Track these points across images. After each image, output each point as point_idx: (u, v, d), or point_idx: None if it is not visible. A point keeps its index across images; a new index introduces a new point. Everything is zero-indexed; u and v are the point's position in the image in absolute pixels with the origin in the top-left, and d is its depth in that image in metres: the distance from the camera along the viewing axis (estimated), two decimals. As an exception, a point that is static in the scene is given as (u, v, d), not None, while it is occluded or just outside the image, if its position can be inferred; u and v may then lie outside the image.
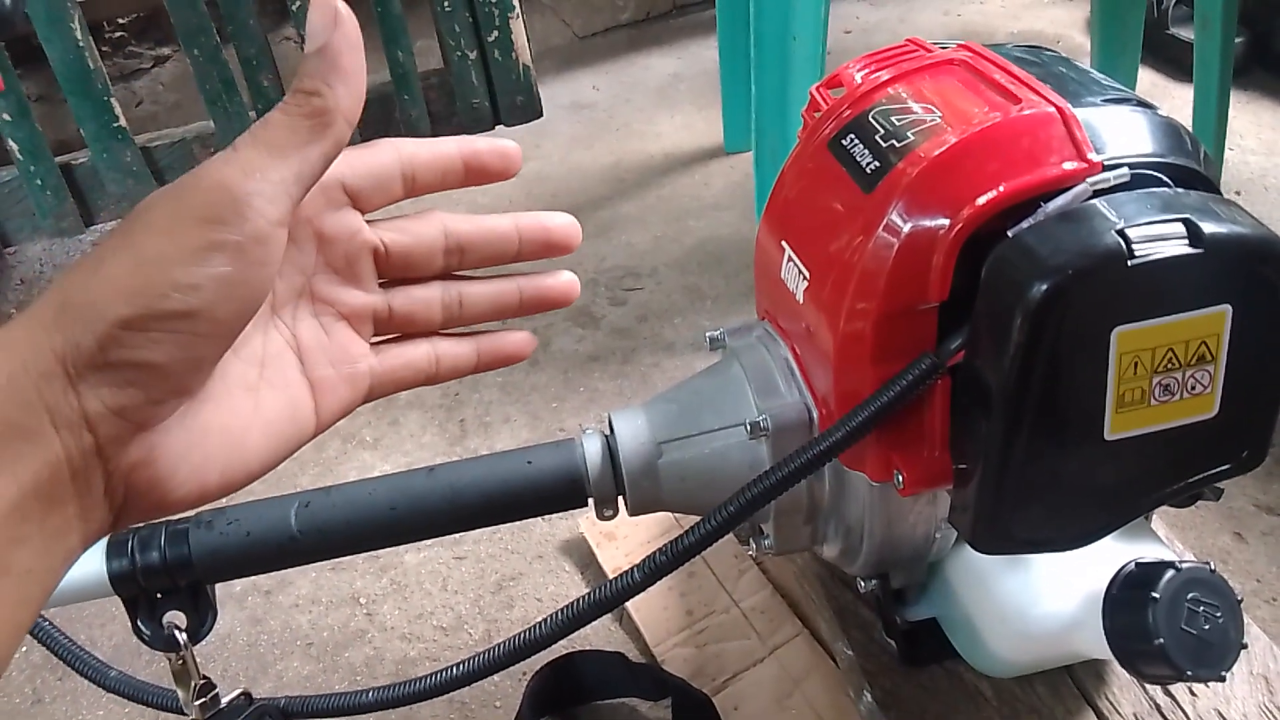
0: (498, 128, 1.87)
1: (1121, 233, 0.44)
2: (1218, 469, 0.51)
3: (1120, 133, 0.50)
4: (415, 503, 0.52)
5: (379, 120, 1.80)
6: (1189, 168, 0.49)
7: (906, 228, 0.50)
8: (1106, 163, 0.48)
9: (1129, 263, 0.43)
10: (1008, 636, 0.59)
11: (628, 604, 0.92)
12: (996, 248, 0.47)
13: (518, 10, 1.78)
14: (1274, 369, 0.48)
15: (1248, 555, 0.92)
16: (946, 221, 0.48)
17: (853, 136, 0.56)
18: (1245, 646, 0.51)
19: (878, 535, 0.58)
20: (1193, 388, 0.47)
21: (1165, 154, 0.49)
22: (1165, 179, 0.48)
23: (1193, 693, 0.64)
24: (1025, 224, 0.47)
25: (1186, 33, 1.67)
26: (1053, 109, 0.49)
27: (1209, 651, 0.50)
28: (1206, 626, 0.50)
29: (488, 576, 1.01)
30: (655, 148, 1.78)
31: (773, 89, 1.28)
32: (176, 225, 0.29)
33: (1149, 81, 1.66)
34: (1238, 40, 1.56)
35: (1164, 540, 0.73)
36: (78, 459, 0.28)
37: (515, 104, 1.87)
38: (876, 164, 0.53)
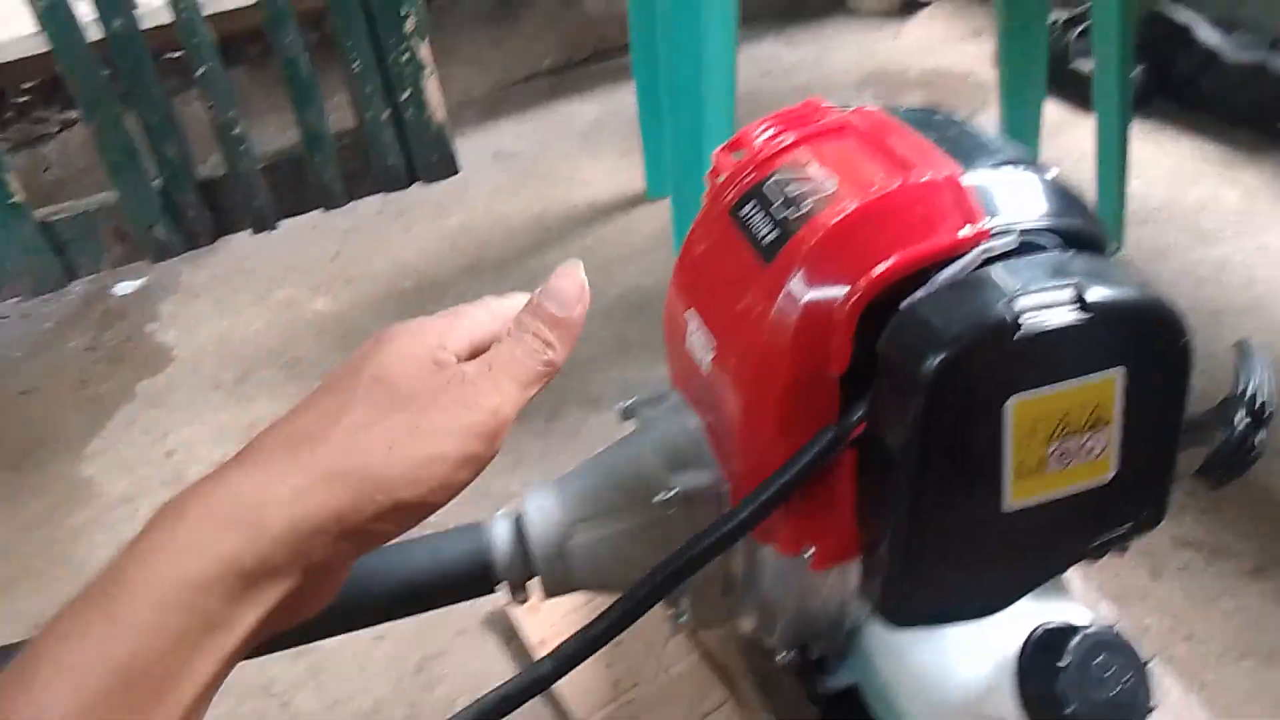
0: (414, 185, 1.86)
1: (1010, 303, 0.44)
2: (1117, 531, 0.51)
3: (1010, 196, 0.50)
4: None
5: (290, 183, 1.77)
6: (1078, 229, 0.50)
7: (804, 299, 0.50)
8: (996, 228, 0.48)
9: (1017, 334, 0.43)
10: (925, 706, 0.58)
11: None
12: (891, 320, 0.47)
13: (430, 69, 1.76)
14: (1167, 429, 0.49)
15: (1164, 592, 0.93)
16: (843, 293, 0.48)
17: (753, 204, 0.56)
18: (1153, 709, 0.51)
19: (792, 608, 0.57)
20: (1089, 453, 0.47)
21: (1055, 216, 0.50)
22: (1054, 243, 0.49)
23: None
24: (919, 294, 0.47)
25: (1088, 66, 1.72)
26: (943, 175, 0.50)
27: (1120, 715, 0.50)
28: (1116, 690, 0.50)
29: (409, 656, 0.98)
30: (579, 196, 1.78)
31: (688, 136, 1.28)
32: (456, 437, 0.34)
33: (1055, 115, 1.70)
34: (1139, 69, 1.61)
35: (1077, 593, 0.74)
36: (293, 588, 0.32)
37: (431, 162, 1.85)
38: (775, 234, 0.53)
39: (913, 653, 0.59)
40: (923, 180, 0.50)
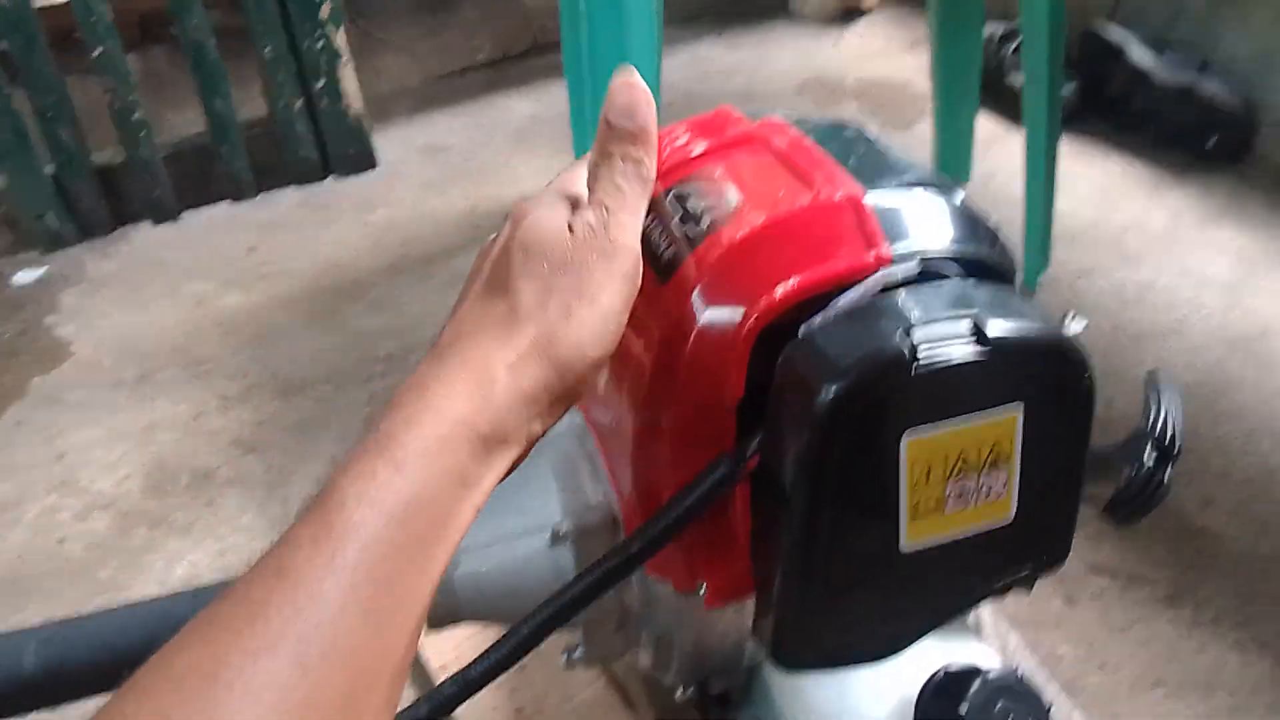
0: (329, 179, 1.79)
1: (907, 334, 0.41)
2: (1021, 571, 0.49)
3: (915, 220, 0.47)
4: (141, 641, 0.46)
5: (197, 174, 1.69)
6: (983, 258, 0.47)
7: (699, 322, 0.47)
8: (898, 254, 0.46)
9: (914, 368, 0.41)
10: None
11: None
12: (786, 347, 0.44)
13: (346, 57, 1.69)
14: (1070, 469, 0.47)
15: (1079, 620, 0.92)
16: (739, 316, 0.45)
17: (650, 219, 0.52)
18: None
19: (688, 645, 0.54)
20: (988, 493, 0.45)
21: (960, 242, 0.47)
22: (957, 271, 0.46)
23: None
24: (816, 320, 0.45)
25: (1020, 80, 1.72)
26: (846, 195, 0.47)
27: None
28: (1015, 740, 0.48)
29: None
30: (512, 193, 1.74)
31: None
32: (612, 282, 0.37)
33: (989, 129, 1.70)
34: (1071, 86, 1.62)
35: (987, 626, 0.72)
36: (520, 456, 0.36)
37: (347, 155, 1.78)
38: (671, 252, 0.50)
39: (813, 692, 0.57)
40: (825, 200, 0.47)
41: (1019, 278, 0.52)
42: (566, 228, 0.38)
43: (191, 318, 1.48)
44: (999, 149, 1.68)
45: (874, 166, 0.51)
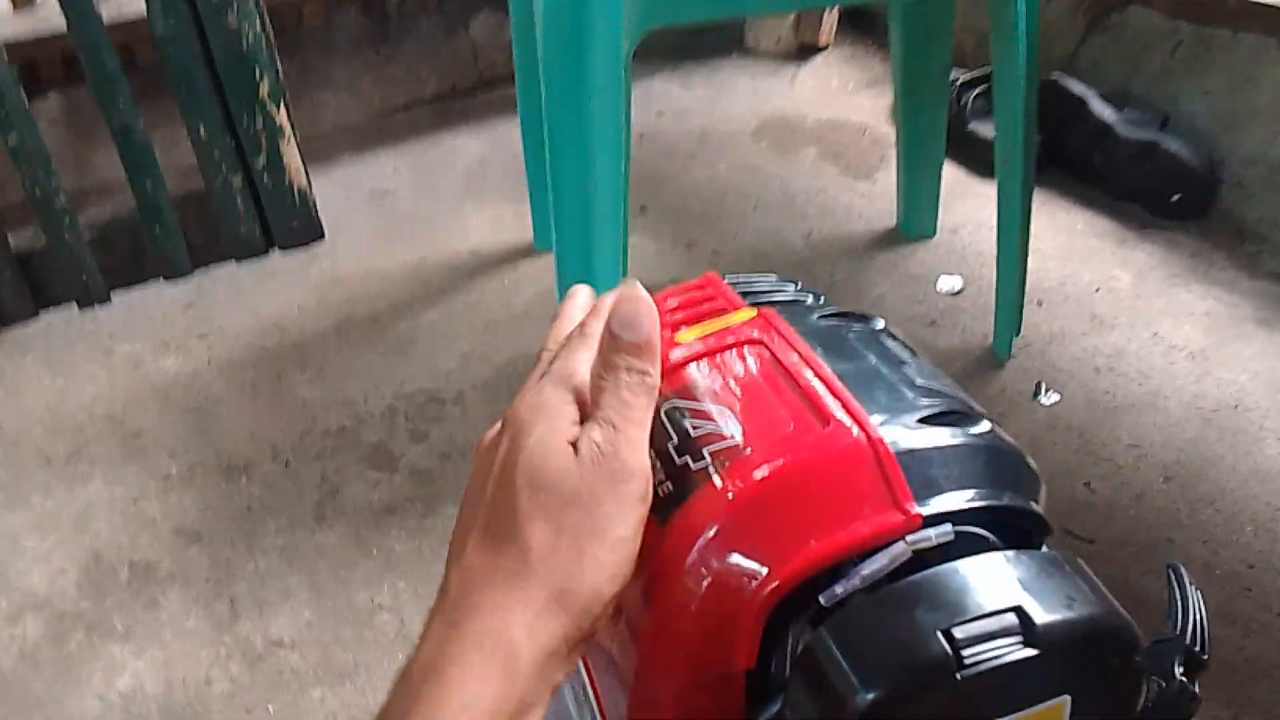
0: (272, 253, 1.70)
1: (948, 635, 0.37)
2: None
3: (944, 468, 0.43)
4: None
5: (128, 252, 1.59)
6: (1020, 509, 0.43)
7: (706, 583, 0.42)
8: (929, 514, 0.41)
9: (959, 674, 0.36)
10: None
11: None
12: (804, 627, 0.40)
13: (288, 134, 1.59)
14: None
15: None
16: (752, 583, 0.41)
17: (645, 435, 0.47)
18: None
19: None
20: (1033, 780, 0.41)
21: (994, 494, 0.43)
22: (991, 536, 0.42)
23: None
24: (838, 590, 0.40)
25: (984, 129, 1.70)
26: (864, 438, 0.42)
27: None
28: None
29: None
30: (462, 245, 1.67)
31: (572, 189, 1.16)
32: (624, 510, 0.36)
33: (951, 178, 1.67)
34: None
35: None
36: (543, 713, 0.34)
37: (291, 228, 1.68)
38: (669, 488, 0.44)
39: None
40: (843, 443, 0.43)
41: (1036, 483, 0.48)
42: (572, 450, 0.36)
43: (125, 384, 1.40)
44: (963, 201, 1.66)
45: (889, 387, 0.46)
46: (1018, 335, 1.36)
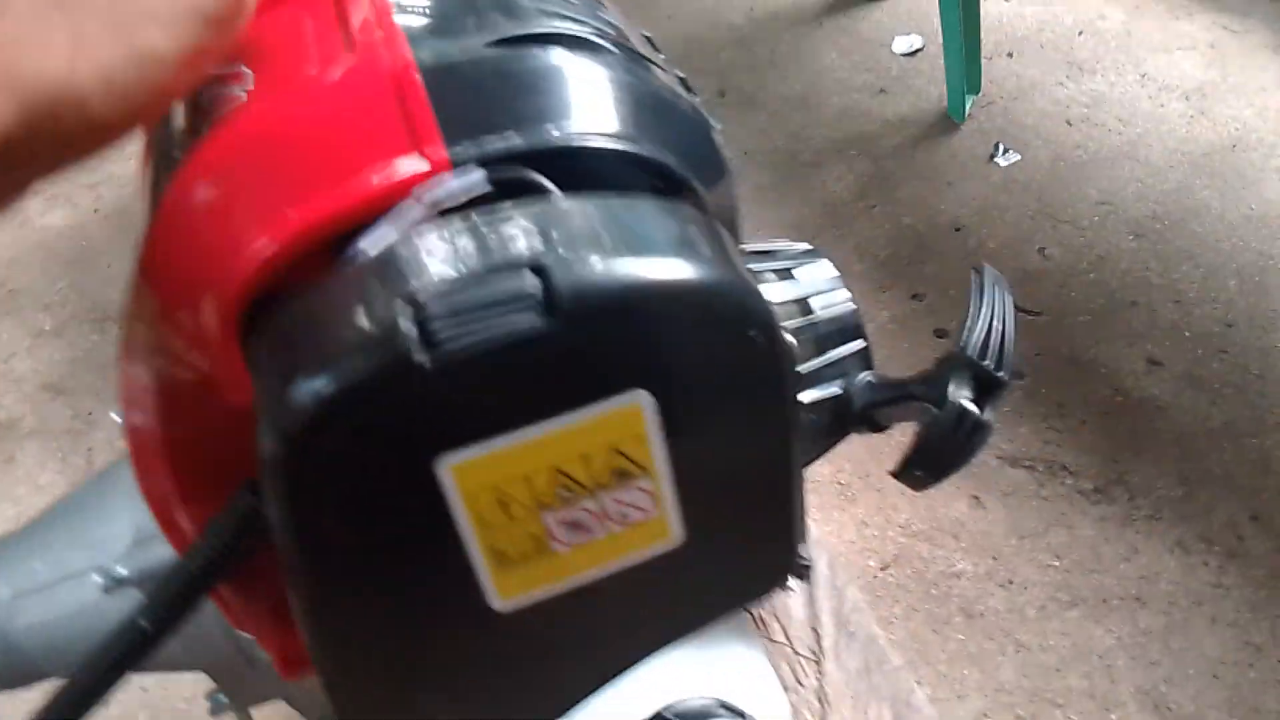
0: None
1: (413, 302, 0.25)
2: (736, 596, 0.34)
3: (508, 99, 0.30)
4: None
5: None
6: (641, 158, 0.30)
7: (167, 294, 0.30)
8: (460, 157, 0.28)
9: (426, 356, 0.24)
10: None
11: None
12: (253, 336, 0.28)
13: None
14: (769, 459, 0.31)
15: (984, 525, 0.77)
16: (212, 293, 0.29)
17: (163, 128, 0.35)
18: None
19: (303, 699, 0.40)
20: (625, 516, 0.29)
21: (584, 136, 0.29)
22: (566, 178, 0.29)
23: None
24: (314, 283, 0.28)
25: None
26: (393, 64, 0.29)
27: None
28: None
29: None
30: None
31: None
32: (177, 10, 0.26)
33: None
34: None
35: (815, 585, 0.58)
36: None
37: None
38: (157, 186, 0.33)
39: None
40: (360, 73, 0.30)
41: (731, 185, 0.35)
42: None
43: (8, 242, 1.31)
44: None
45: (498, 6, 0.33)
46: (976, 94, 1.17)
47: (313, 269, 0.28)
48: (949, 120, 1.16)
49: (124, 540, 0.41)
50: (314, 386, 0.25)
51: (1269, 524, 0.75)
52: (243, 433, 0.30)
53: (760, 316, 0.27)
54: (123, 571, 0.39)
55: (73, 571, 0.42)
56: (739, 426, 0.29)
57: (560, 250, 0.26)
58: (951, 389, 0.39)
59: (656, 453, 0.28)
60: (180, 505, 0.33)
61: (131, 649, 0.33)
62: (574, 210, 0.28)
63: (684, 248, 0.27)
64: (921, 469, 0.40)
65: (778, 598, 0.57)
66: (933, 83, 1.20)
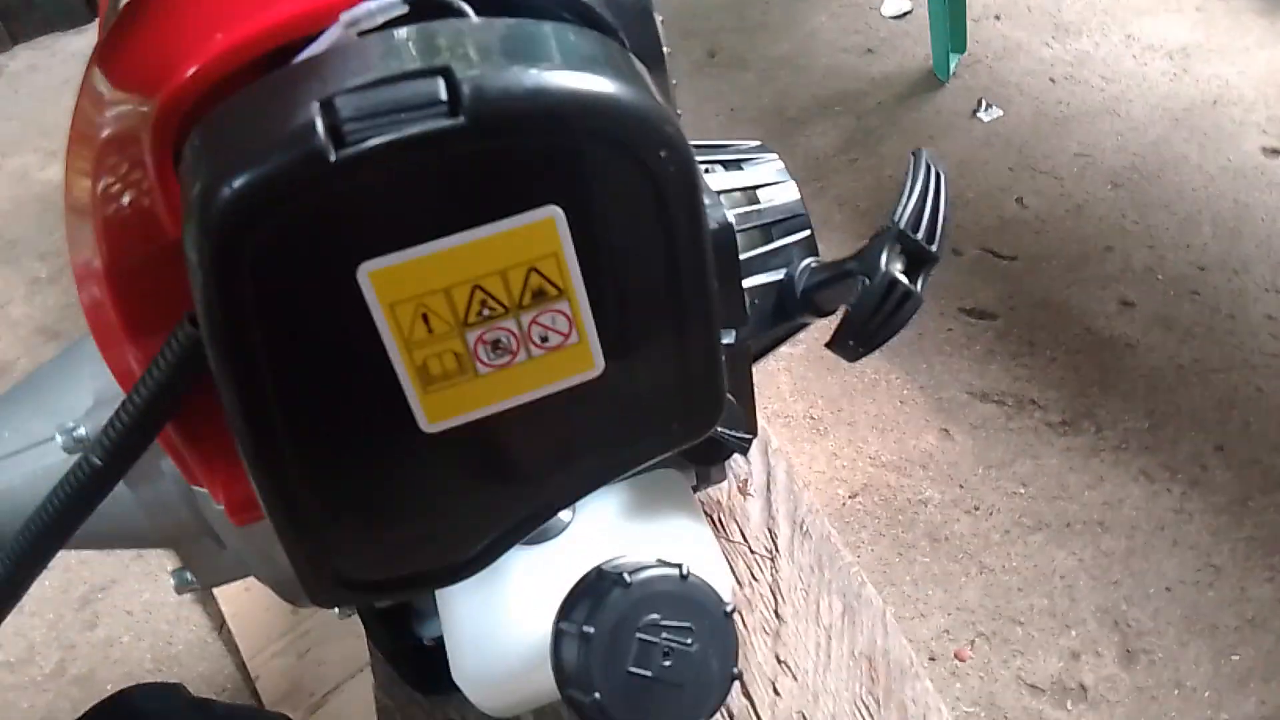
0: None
1: (327, 105, 0.26)
2: (662, 437, 0.35)
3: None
4: None
5: None
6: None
7: (107, 126, 0.32)
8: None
9: (336, 155, 0.26)
10: (480, 664, 0.43)
11: (224, 609, 0.76)
12: (183, 150, 0.29)
13: None
14: (688, 292, 0.32)
15: (953, 456, 0.78)
16: (143, 113, 0.30)
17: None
18: (737, 676, 0.36)
19: (266, 564, 0.41)
20: (544, 339, 0.30)
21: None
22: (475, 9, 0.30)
23: (776, 692, 0.50)
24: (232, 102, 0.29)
25: None
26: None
27: (674, 698, 0.35)
28: (668, 663, 0.36)
29: (73, 589, 0.82)
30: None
31: None
32: None
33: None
34: None
35: (774, 491, 0.58)
36: None
37: None
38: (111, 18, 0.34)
39: (466, 596, 0.44)
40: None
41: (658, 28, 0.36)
42: None
43: (9, 195, 1.33)
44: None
45: None
46: (961, 53, 1.18)
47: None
48: (934, 79, 1.17)
49: (86, 405, 0.42)
50: (233, 185, 0.26)
51: (1234, 454, 0.76)
52: (183, 268, 0.32)
53: (670, 138, 0.29)
54: (83, 431, 0.40)
55: (37, 439, 0.43)
56: (654, 251, 0.30)
57: (470, 57, 0.27)
58: (884, 261, 0.41)
59: (572, 272, 0.29)
60: (129, 345, 0.34)
61: (85, 486, 0.34)
62: (487, 26, 0.29)
63: (595, 65, 0.28)
64: (853, 338, 0.41)
65: (737, 503, 0.58)
66: (920, 44, 1.21)
